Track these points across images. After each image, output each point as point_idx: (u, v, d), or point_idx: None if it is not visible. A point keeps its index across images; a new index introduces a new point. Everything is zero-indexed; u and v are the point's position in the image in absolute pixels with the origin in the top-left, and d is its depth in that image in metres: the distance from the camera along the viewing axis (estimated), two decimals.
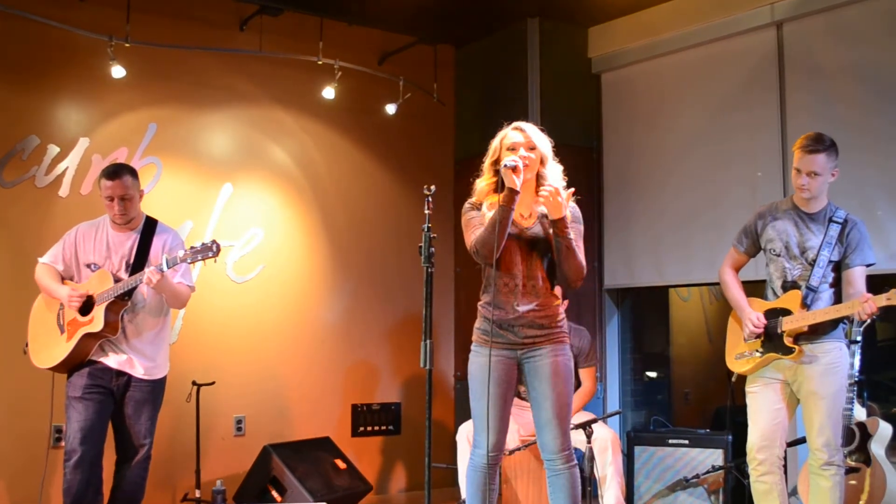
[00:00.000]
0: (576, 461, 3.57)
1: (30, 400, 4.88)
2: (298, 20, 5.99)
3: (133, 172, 4.34)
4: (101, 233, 4.37)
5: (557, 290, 5.20)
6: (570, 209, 3.58)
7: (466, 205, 3.64)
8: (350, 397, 6.25)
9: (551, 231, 3.48)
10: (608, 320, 6.34)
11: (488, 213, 3.50)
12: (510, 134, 3.56)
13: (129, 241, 4.34)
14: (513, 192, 3.39)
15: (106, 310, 4.17)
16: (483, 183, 3.63)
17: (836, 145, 3.91)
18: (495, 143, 3.60)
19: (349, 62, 6.03)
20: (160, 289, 4.18)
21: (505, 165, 3.38)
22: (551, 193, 3.37)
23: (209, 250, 4.10)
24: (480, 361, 3.55)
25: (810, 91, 5.27)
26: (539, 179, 3.57)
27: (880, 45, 4.99)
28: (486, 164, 3.63)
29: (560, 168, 3.62)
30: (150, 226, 4.40)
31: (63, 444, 4.24)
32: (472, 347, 3.62)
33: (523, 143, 3.52)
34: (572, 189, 3.45)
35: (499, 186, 3.50)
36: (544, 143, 3.57)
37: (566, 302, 5.31)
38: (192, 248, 4.12)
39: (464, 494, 4.94)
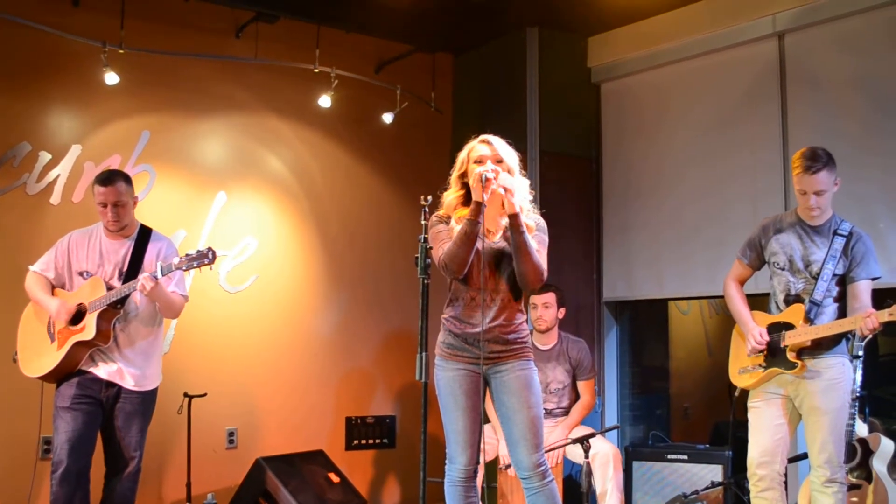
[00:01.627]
0: (552, 477, 3.54)
1: (18, 411, 4.81)
2: (295, 28, 5.95)
3: (127, 179, 4.31)
4: (95, 240, 4.33)
5: (552, 298, 5.18)
6: (535, 220, 3.59)
7: (434, 218, 3.62)
8: (344, 410, 6.19)
9: (508, 232, 3.46)
10: (607, 333, 6.29)
11: (457, 226, 3.48)
12: (477, 147, 3.56)
13: (123, 248, 4.31)
14: (479, 206, 3.37)
15: (98, 318, 4.13)
16: (451, 196, 3.62)
17: (832, 156, 3.87)
18: (462, 155, 3.60)
19: (346, 70, 6.00)
20: (154, 297, 4.14)
21: (486, 178, 3.33)
22: (502, 189, 3.34)
23: (205, 258, 4.05)
24: (448, 376, 3.55)
25: (812, 103, 5.24)
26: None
27: (883, 56, 4.97)
28: (453, 177, 3.63)
29: (527, 182, 3.63)
30: (144, 234, 4.37)
31: (51, 455, 4.17)
32: (437, 362, 3.60)
33: (490, 156, 3.51)
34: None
35: (466, 199, 3.51)
36: (511, 157, 3.56)
37: (563, 310, 5.28)
38: (187, 255, 4.08)
39: None
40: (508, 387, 3.51)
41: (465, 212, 3.45)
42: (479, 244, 3.47)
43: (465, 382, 3.51)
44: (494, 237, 3.55)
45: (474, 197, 3.37)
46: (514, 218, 3.38)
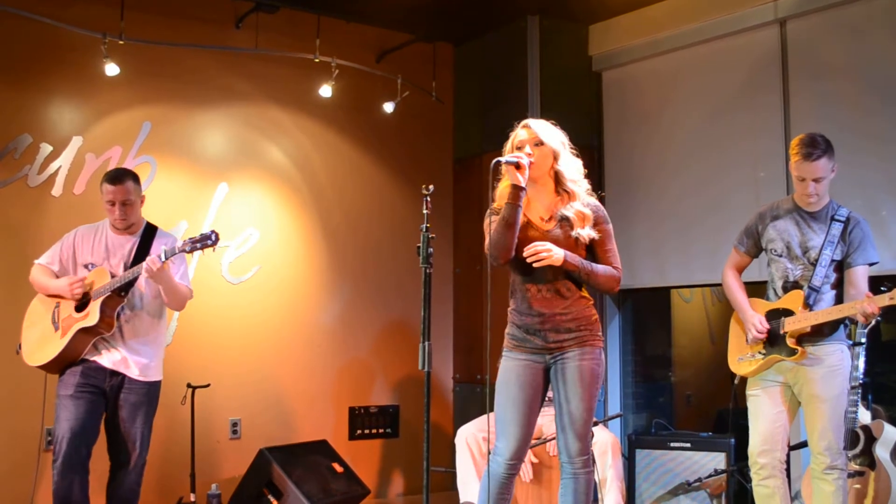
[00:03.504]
0: (592, 468, 3.52)
1: (21, 402, 4.82)
2: (295, 17, 5.94)
3: (135, 178, 4.33)
4: (101, 235, 4.36)
5: None
6: (592, 209, 3.52)
7: (489, 210, 3.55)
8: (347, 400, 6.20)
9: (572, 234, 3.46)
10: (609, 322, 6.30)
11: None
12: (518, 132, 3.53)
13: (129, 244, 4.34)
14: (517, 189, 3.34)
15: (102, 305, 4.15)
16: (503, 186, 3.54)
17: (831, 142, 3.86)
18: (508, 145, 3.55)
19: (346, 60, 5.99)
20: (160, 280, 4.14)
21: (507, 162, 3.34)
22: (534, 253, 3.35)
23: (207, 239, 4.07)
24: (507, 365, 3.52)
25: (813, 90, 5.23)
26: (556, 176, 3.51)
27: (885, 43, 4.95)
28: (503, 167, 3.58)
29: (578, 162, 3.57)
30: (149, 231, 4.40)
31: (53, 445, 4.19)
32: (504, 352, 3.57)
33: (528, 140, 3.47)
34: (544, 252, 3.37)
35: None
36: (553, 138, 3.50)
37: None
38: (190, 238, 4.10)
39: (463, 498, 4.91)
40: (566, 375, 3.46)
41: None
42: (534, 233, 3.45)
43: (525, 373, 3.48)
44: (548, 224, 3.49)
45: (511, 181, 3.35)
46: (565, 265, 3.39)
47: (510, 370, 3.49)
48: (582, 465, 3.47)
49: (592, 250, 3.53)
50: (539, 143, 3.46)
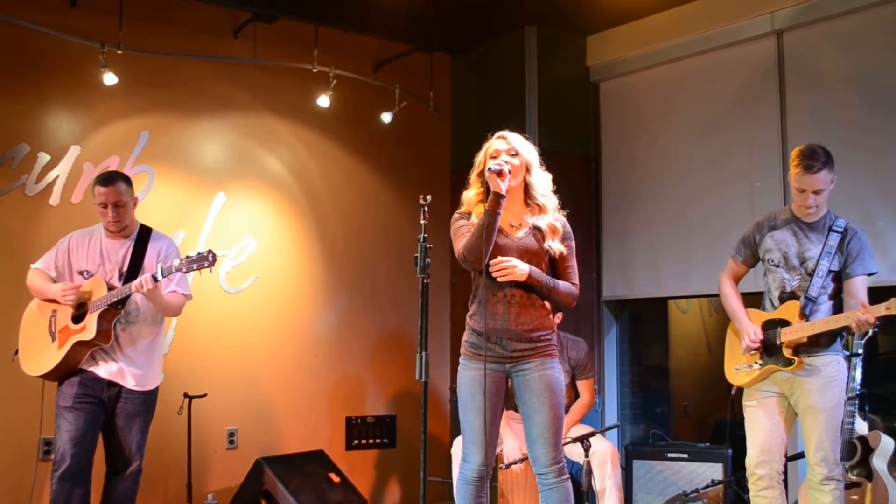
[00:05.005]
0: (568, 475, 3.55)
1: (19, 412, 4.82)
2: (293, 27, 5.96)
3: (127, 180, 4.32)
4: (95, 240, 4.34)
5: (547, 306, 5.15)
6: (561, 223, 3.59)
7: (455, 214, 3.64)
8: (344, 410, 6.19)
9: (544, 245, 3.52)
10: (607, 332, 6.29)
11: (478, 221, 3.48)
12: (494, 143, 3.58)
13: (123, 249, 4.31)
14: (498, 196, 3.39)
15: (99, 318, 4.13)
16: (471, 194, 3.62)
17: (830, 153, 3.86)
18: (481, 155, 3.61)
19: (344, 70, 6.00)
20: (150, 298, 4.14)
21: (489, 170, 3.38)
22: (499, 268, 3.41)
23: (205, 260, 4.05)
24: (469, 375, 3.54)
25: (810, 101, 5.24)
26: (527, 188, 3.58)
27: (881, 54, 4.98)
28: (472, 176, 3.65)
29: (548, 176, 3.64)
30: (144, 234, 4.38)
31: (52, 456, 4.17)
32: (461, 360, 3.60)
33: (506, 150, 3.52)
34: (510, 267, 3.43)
35: (486, 196, 3.51)
36: (528, 151, 3.57)
37: (560, 315, 5.25)
38: (187, 257, 4.08)
39: None
40: (530, 386, 3.49)
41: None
42: (502, 239, 3.47)
43: (487, 382, 3.49)
44: (518, 232, 3.54)
45: (492, 188, 3.38)
46: (529, 280, 3.44)
47: (472, 381, 3.51)
48: (557, 474, 3.49)
49: (554, 264, 3.58)
50: (515, 154, 3.51)
